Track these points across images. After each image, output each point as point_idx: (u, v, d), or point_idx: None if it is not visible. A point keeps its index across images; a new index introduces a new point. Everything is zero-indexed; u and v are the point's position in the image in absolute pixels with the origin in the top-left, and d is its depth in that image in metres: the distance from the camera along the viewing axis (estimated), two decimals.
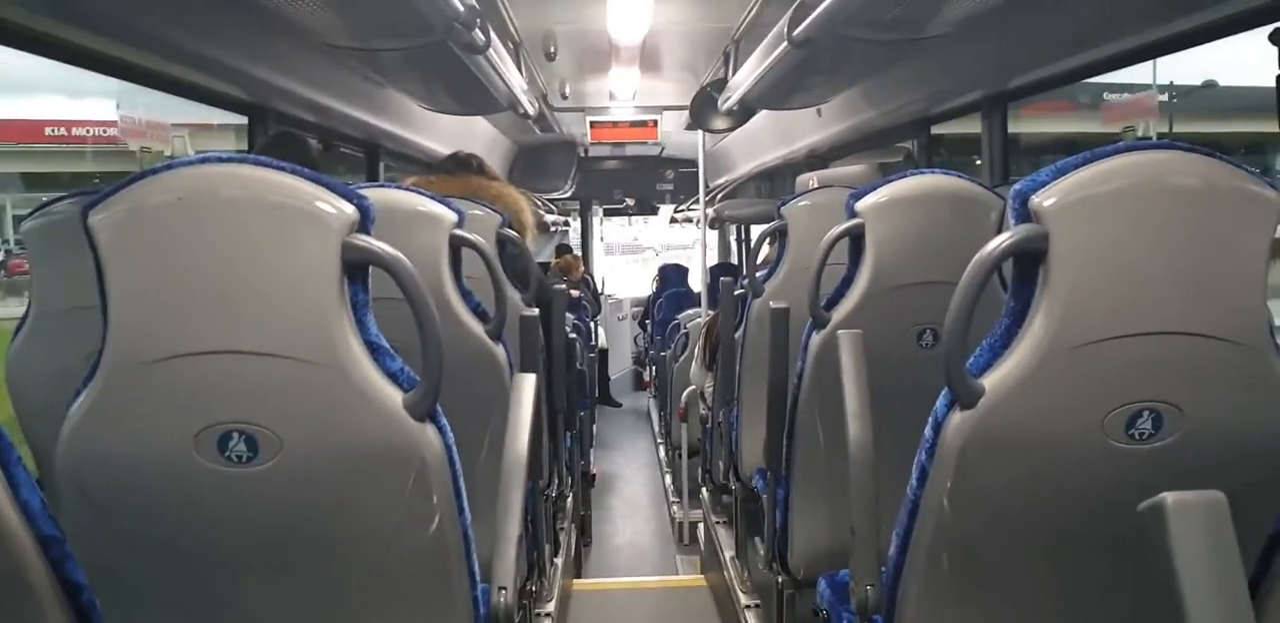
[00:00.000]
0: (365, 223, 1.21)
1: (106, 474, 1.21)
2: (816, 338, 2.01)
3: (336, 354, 1.18)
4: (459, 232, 1.89)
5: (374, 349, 1.22)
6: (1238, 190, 1.19)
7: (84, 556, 0.99)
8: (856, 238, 1.96)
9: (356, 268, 1.20)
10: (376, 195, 1.76)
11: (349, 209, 1.18)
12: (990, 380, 1.23)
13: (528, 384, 1.62)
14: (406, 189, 1.95)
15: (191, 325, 1.17)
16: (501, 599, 1.40)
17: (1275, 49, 1.87)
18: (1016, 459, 1.25)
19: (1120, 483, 1.09)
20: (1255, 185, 1.20)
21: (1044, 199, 1.18)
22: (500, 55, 2.98)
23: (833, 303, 2.01)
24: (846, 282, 1.99)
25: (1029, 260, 1.21)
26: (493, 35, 2.64)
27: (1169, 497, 0.95)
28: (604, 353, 8.13)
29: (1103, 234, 1.18)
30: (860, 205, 1.94)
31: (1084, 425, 1.22)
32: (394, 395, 1.22)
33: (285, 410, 1.19)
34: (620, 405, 8.85)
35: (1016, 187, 1.22)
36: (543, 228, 7.91)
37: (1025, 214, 1.20)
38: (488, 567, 1.42)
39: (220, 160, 1.19)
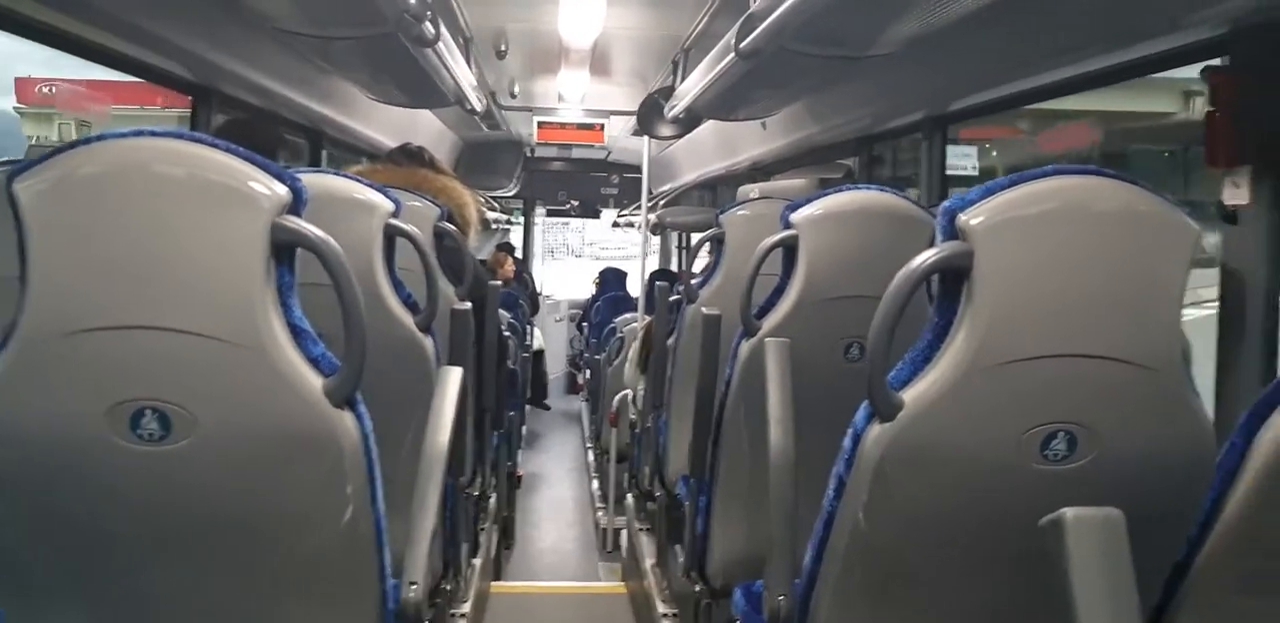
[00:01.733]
0: (297, 205, 1.20)
1: (14, 448, 1.18)
2: (746, 346, 2.03)
3: (258, 335, 1.17)
4: (394, 221, 1.88)
5: (296, 333, 1.20)
6: (1158, 217, 1.23)
7: None
8: (790, 249, 1.98)
9: (284, 250, 1.19)
10: (313, 180, 1.74)
11: (281, 190, 1.17)
12: (910, 394, 1.25)
13: (453, 377, 1.61)
14: (345, 176, 1.93)
15: (112, 298, 1.15)
16: (410, 595, 1.39)
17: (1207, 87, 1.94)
18: (932, 474, 1.27)
19: (1033, 501, 1.12)
20: (1175, 214, 1.23)
21: (971, 217, 1.21)
22: (450, 50, 2.97)
23: (764, 312, 2.02)
24: (778, 292, 2.01)
25: (954, 277, 1.23)
26: (443, 29, 2.62)
27: (1068, 512, 0.97)
28: (539, 354, 8.10)
29: (1026, 255, 1.21)
30: (795, 217, 1.96)
31: (1000, 443, 1.24)
32: (314, 380, 1.21)
33: (202, 389, 1.18)
34: (549, 409, 8.82)
35: (945, 204, 1.24)
36: (484, 225, 7.87)
37: (952, 231, 1.23)
38: (402, 562, 1.41)
39: (154, 134, 1.17)
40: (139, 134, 1.17)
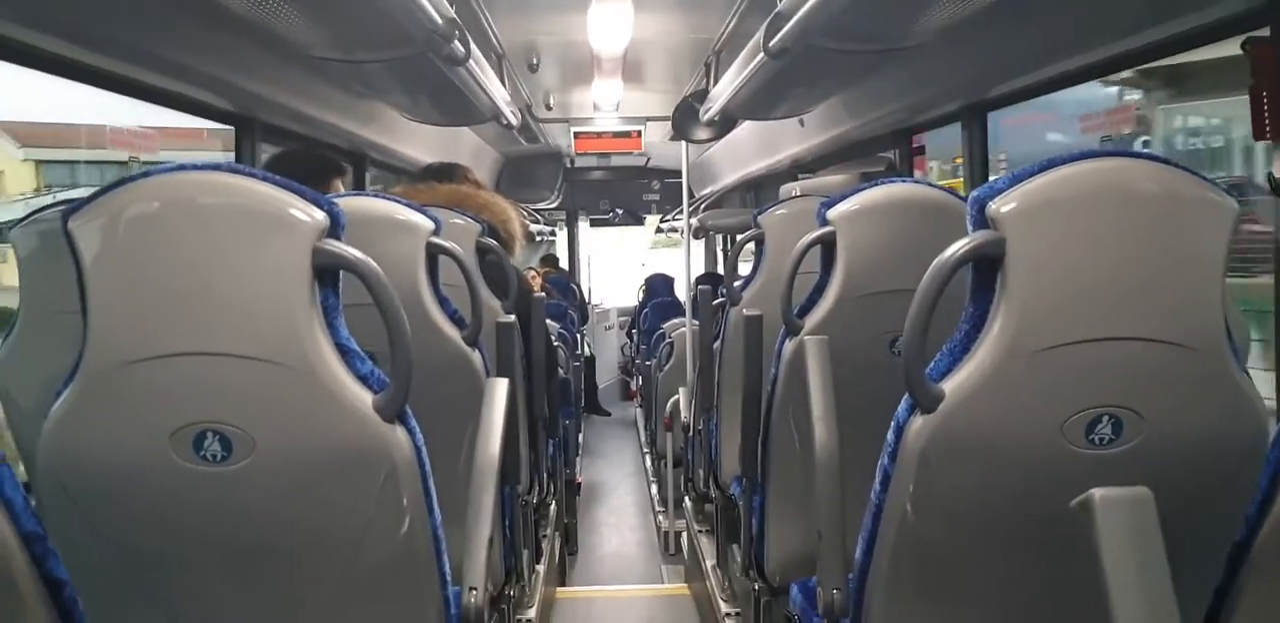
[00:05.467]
0: (335, 228, 1.24)
1: (85, 473, 1.24)
2: (789, 345, 2.03)
3: (307, 356, 1.21)
4: (435, 239, 1.91)
5: (344, 352, 1.24)
6: (1194, 197, 1.22)
7: (65, 554, 1.00)
8: (828, 246, 1.98)
9: (327, 272, 1.23)
10: (354, 203, 1.78)
11: (319, 215, 1.21)
12: (950, 385, 1.25)
13: (500, 388, 1.64)
14: (385, 197, 1.97)
15: (167, 328, 1.20)
16: (472, 600, 1.42)
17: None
18: (977, 463, 1.27)
19: (1080, 487, 1.11)
20: (1212, 192, 1.22)
21: (1001, 205, 1.20)
22: (482, 66, 3.00)
23: (805, 310, 2.03)
24: (818, 289, 2.01)
25: (987, 266, 1.23)
26: (473, 47, 2.66)
27: (1096, 492, 0.97)
28: (591, 361, 8.13)
29: (1060, 240, 1.20)
30: (831, 214, 1.96)
31: (1043, 430, 1.24)
32: (364, 397, 1.24)
33: (258, 411, 1.22)
34: (609, 414, 8.85)
35: (974, 193, 1.24)
36: (529, 238, 7.93)
37: (983, 220, 1.22)
38: (460, 569, 1.44)
39: (196, 168, 1.23)
40: (182, 168, 1.22)
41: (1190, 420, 1.24)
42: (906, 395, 1.28)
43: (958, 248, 1.22)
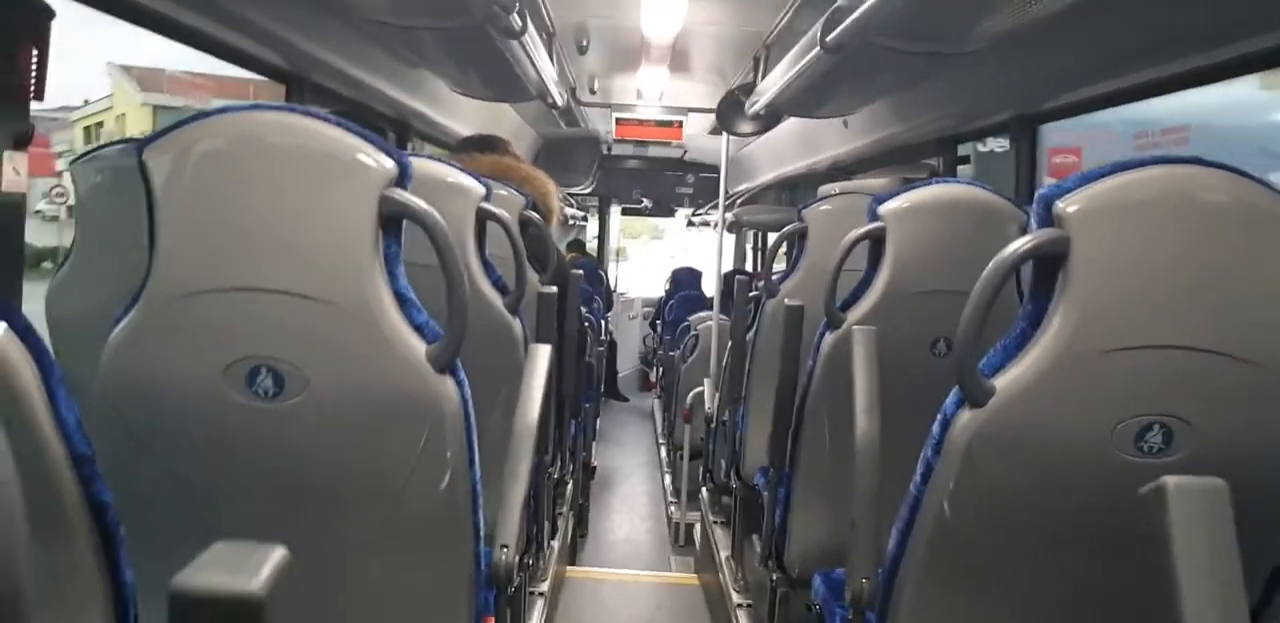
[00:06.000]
0: (404, 179, 1.24)
1: (140, 400, 1.25)
2: (830, 338, 2.03)
3: (366, 300, 1.22)
4: (486, 205, 1.92)
5: (402, 300, 1.25)
6: (1264, 208, 1.20)
7: (113, 480, 1.01)
8: (877, 241, 1.97)
9: (391, 221, 1.24)
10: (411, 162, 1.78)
11: (389, 164, 1.22)
12: (1002, 381, 1.24)
13: (543, 354, 1.65)
14: (438, 159, 1.98)
15: (230, 262, 1.21)
16: (504, 557, 1.44)
17: None
18: (1021, 461, 1.26)
19: (1124, 494, 1.10)
20: None
21: (1069, 204, 1.19)
22: (534, 43, 3.01)
23: (848, 305, 2.02)
24: (864, 284, 2.01)
25: (1049, 265, 1.22)
26: (529, 22, 2.66)
27: (1170, 480, 0.96)
28: (613, 347, 8.13)
29: (1125, 243, 1.19)
30: (883, 209, 1.95)
31: (1092, 433, 1.23)
32: (418, 346, 1.25)
33: (313, 350, 1.23)
34: (628, 400, 8.86)
35: (1041, 191, 1.23)
36: (562, 220, 7.94)
37: (1048, 219, 1.22)
38: (494, 528, 1.45)
39: (270, 108, 1.24)
40: (255, 108, 1.23)
41: (1244, 437, 1.22)
42: (955, 389, 1.28)
43: (1022, 243, 1.21)
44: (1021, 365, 1.23)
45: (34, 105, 1.71)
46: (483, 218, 1.93)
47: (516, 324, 2.01)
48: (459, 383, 1.30)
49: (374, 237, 1.22)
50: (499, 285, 2.00)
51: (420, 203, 1.23)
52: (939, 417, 1.31)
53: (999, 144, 3.63)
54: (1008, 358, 1.25)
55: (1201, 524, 0.95)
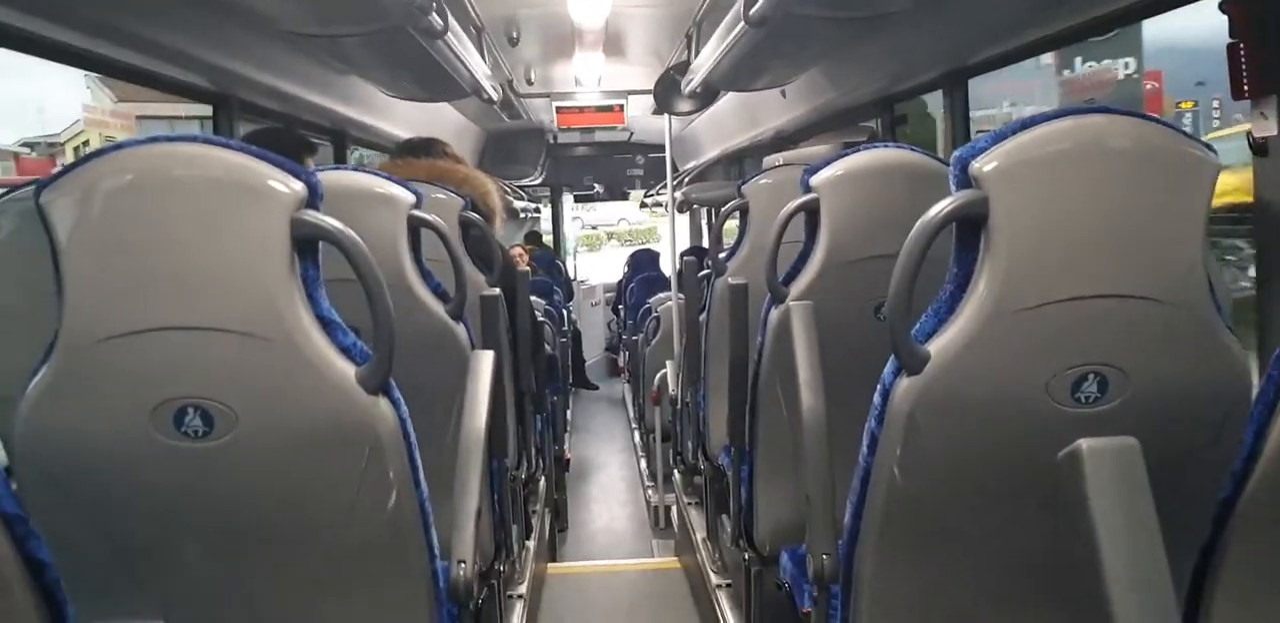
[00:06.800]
0: (314, 199, 1.22)
1: (66, 451, 1.23)
2: (775, 313, 2.03)
3: (287, 328, 1.20)
4: (417, 212, 1.90)
5: (326, 324, 1.23)
6: (1175, 152, 1.22)
7: (47, 534, 1.00)
8: (812, 213, 1.97)
9: (306, 244, 1.22)
10: (334, 177, 1.77)
11: (297, 186, 1.20)
12: (935, 346, 1.25)
13: (485, 361, 1.64)
14: (365, 171, 1.95)
15: (145, 302, 1.18)
16: (461, 573, 1.42)
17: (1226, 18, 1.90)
18: (963, 423, 1.27)
19: (1067, 445, 1.12)
20: (1192, 147, 1.22)
21: (983, 164, 1.20)
22: (461, 40, 2.97)
23: (790, 278, 2.02)
24: (803, 257, 2.01)
25: (970, 226, 1.23)
26: (452, 20, 2.63)
27: (1084, 443, 0.98)
28: (577, 336, 8.13)
29: (1042, 198, 1.20)
30: (815, 180, 1.95)
31: (1030, 388, 1.24)
32: (346, 369, 1.23)
33: (239, 385, 1.21)
34: (597, 388, 8.87)
35: (956, 153, 1.24)
36: (512, 214, 7.90)
37: (965, 180, 1.22)
38: (449, 543, 1.44)
39: (170, 140, 1.20)
40: (155, 141, 1.20)
41: (1175, 377, 1.24)
42: (892, 358, 1.29)
43: (941, 208, 1.22)
44: (953, 328, 1.24)
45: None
46: (415, 225, 1.91)
47: (460, 330, 1.99)
48: (394, 402, 1.29)
49: (289, 262, 1.20)
50: (438, 292, 1.98)
51: (332, 222, 1.21)
52: (879, 386, 1.32)
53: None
54: (939, 322, 1.26)
55: (1116, 485, 0.97)
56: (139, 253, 1.18)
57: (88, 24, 2.05)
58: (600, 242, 17.26)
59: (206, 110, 2.94)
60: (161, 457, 1.22)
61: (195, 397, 1.20)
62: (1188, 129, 1.53)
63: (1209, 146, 1.24)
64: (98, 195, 1.18)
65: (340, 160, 4.17)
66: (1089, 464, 0.97)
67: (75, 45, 2.17)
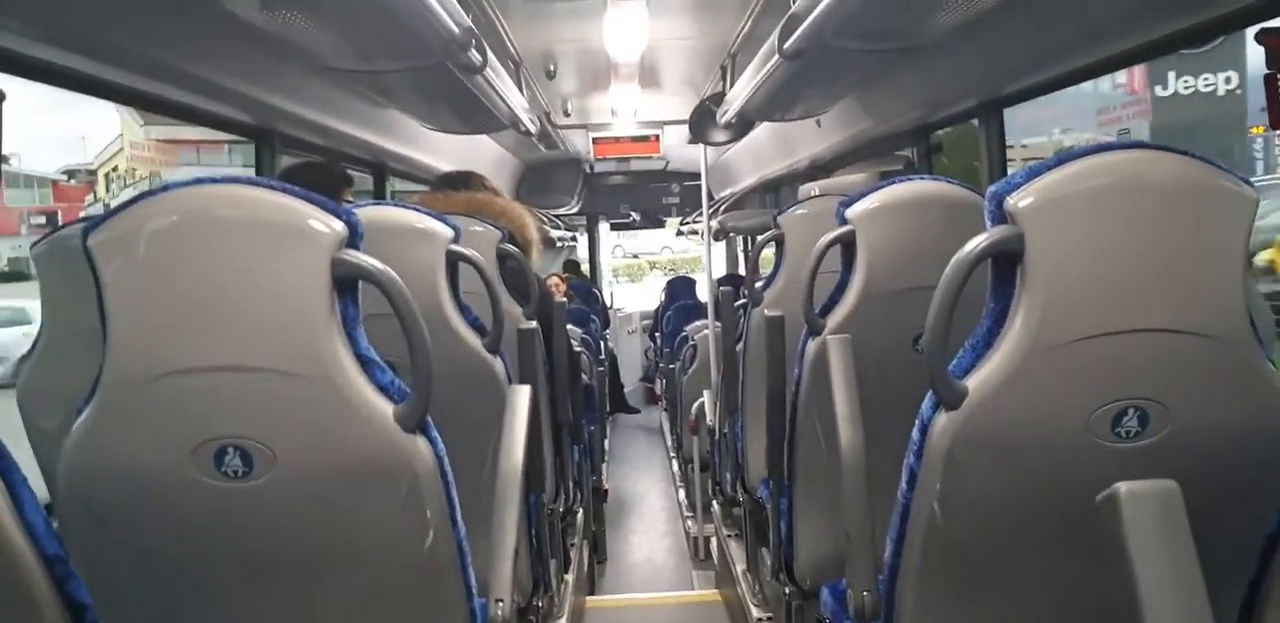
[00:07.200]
0: (354, 239, 1.24)
1: (108, 489, 1.24)
2: (812, 345, 2.03)
3: (327, 368, 1.21)
4: (455, 247, 1.92)
5: (365, 363, 1.24)
6: (1212, 187, 1.21)
7: (87, 573, 1.01)
8: (848, 245, 1.97)
9: (346, 283, 1.23)
10: (374, 213, 1.79)
11: (338, 226, 1.22)
12: (973, 381, 1.24)
13: (522, 396, 1.64)
14: (404, 206, 1.98)
15: (187, 342, 1.20)
16: (499, 612, 1.42)
17: (1263, 49, 1.89)
18: (1003, 459, 1.26)
19: (1109, 481, 1.11)
20: (1229, 181, 1.21)
21: (1019, 200, 1.20)
22: (499, 75, 3.02)
23: (827, 310, 2.02)
24: (840, 288, 2.01)
25: (1007, 261, 1.23)
26: (490, 55, 2.67)
27: (1121, 487, 0.97)
28: (614, 360, 8.12)
29: (1078, 233, 1.20)
30: (850, 212, 1.95)
31: (1069, 424, 1.23)
32: (385, 408, 1.24)
33: (279, 425, 1.22)
34: (638, 411, 8.84)
35: (991, 189, 1.24)
36: (549, 243, 7.95)
37: (1001, 215, 1.22)
38: (486, 581, 1.44)
39: (214, 181, 1.23)
40: (199, 182, 1.22)
41: (1217, 411, 1.23)
42: (930, 393, 1.28)
43: (977, 244, 1.22)
44: (991, 364, 1.23)
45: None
46: (454, 260, 1.93)
47: (498, 364, 2.00)
48: (431, 440, 1.29)
49: (329, 301, 1.21)
50: (477, 326, 1.99)
51: (372, 262, 1.23)
52: (917, 422, 1.31)
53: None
54: (977, 358, 1.25)
55: (1155, 529, 0.95)
56: (182, 293, 1.21)
57: (139, 63, 2.11)
58: (642, 271, 17.09)
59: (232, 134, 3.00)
60: (201, 496, 1.23)
61: (235, 437, 1.22)
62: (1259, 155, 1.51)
63: (1246, 180, 1.23)
64: (142, 237, 1.21)
65: (380, 193, 4.23)
66: (1127, 508, 0.96)
67: (125, 84, 2.23)
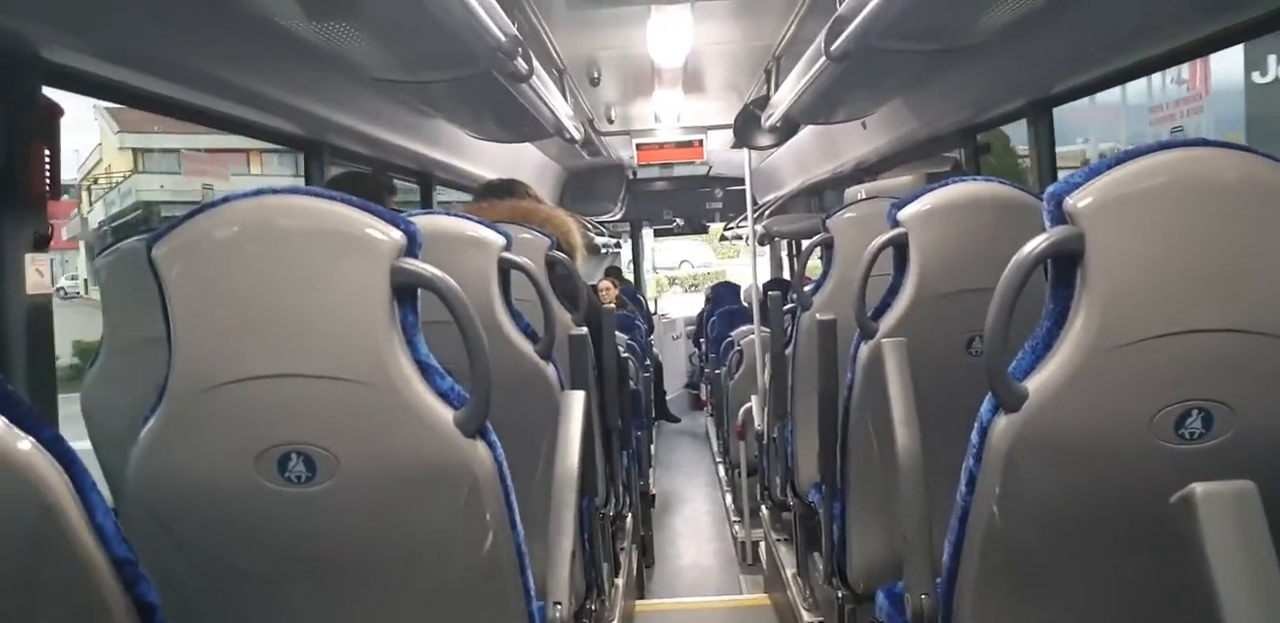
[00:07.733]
0: (413, 247, 1.25)
1: (174, 496, 1.27)
2: (865, 348, 2.02)
3: (388, 374, 1.23)
4: (507, 254, 1.93)
5: (424, 369, 1.26)
6: (1273, 183, 1.19)
7: (155, 577, 1.03)
8: (900, 247, 1.96)
9: (405, 291, 1.25)
10: (427, 222, 1.81)
11: (396, 234, 1.23)
12: (1033, 383, 1.23)
13: (576, 401, 1.65)
14: (456, 215, 2.00)
15: (250, 350, 1.22)
16: (556, 614, 1.43)
17: None
18: (1064, 461, 1.25)
19: (1172, 483, 1.09)
20: None
21: (1078, 200, 1.19)
22: (544, 83, 3.04)
23: (880, 313, 2.01)
24: (892, 291, 2.00)
25: (1066, 262, 1.21)
26: (535, 63, 2.69)
27: (1198, 487, 0.95)
28: (659, 368, 8.13)
29: (1139, 233, 1.18)
30: (902, 215, 1.94)
31: (1131, 426, 1.21)
32: (445, 413, 1.26)
33: (341, 431, 1.24)
34: (679, 420, 8.84)
35: (1050, 189, 1.22)
36: (593, 250, 7.97)
37: (1060, 216, 1.21)
38: (544, 584, 1.45)
39: (275, 192, 1.25)
40: (260, 193, 1.25)
41: None
42: (989, 395, 1.27)
43: (1036, 244, 1.20)
44: (1051, 366, 1.22)
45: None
46: (506, 267, 1.95)
47: (550, 370, 2.01)
48: (490, 445, 1.31)
49: (389, 309, 1.23)
50: (529, 333, 2.00)
51: (431, 269, 1.24)
52: (976, 424, 1.30)
53: None
54: (1036, 359, 1.24)
55: (1233, 530, 0.93)
56: (245, 303, 1.23)
57: (187, 76, 2.15)
58: (661, 287, 16.80)
59: (212, 142, 3.04)
60: (266, 502, 1.25)
61: (299, 442, 1.24)
62: None
63: None
64: (205, 247, 1.23)
65: (427, 202, 4.27)
66: (1204, 509, 0.94)
67: (175, 97, 2.27)
